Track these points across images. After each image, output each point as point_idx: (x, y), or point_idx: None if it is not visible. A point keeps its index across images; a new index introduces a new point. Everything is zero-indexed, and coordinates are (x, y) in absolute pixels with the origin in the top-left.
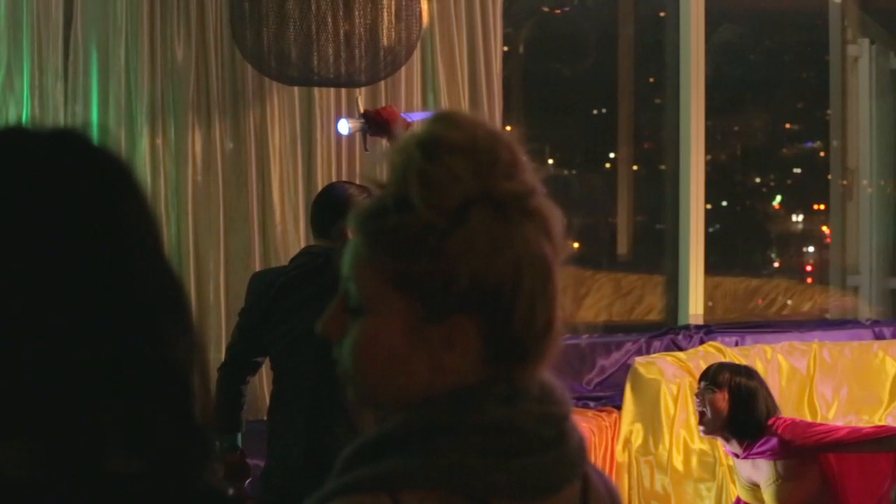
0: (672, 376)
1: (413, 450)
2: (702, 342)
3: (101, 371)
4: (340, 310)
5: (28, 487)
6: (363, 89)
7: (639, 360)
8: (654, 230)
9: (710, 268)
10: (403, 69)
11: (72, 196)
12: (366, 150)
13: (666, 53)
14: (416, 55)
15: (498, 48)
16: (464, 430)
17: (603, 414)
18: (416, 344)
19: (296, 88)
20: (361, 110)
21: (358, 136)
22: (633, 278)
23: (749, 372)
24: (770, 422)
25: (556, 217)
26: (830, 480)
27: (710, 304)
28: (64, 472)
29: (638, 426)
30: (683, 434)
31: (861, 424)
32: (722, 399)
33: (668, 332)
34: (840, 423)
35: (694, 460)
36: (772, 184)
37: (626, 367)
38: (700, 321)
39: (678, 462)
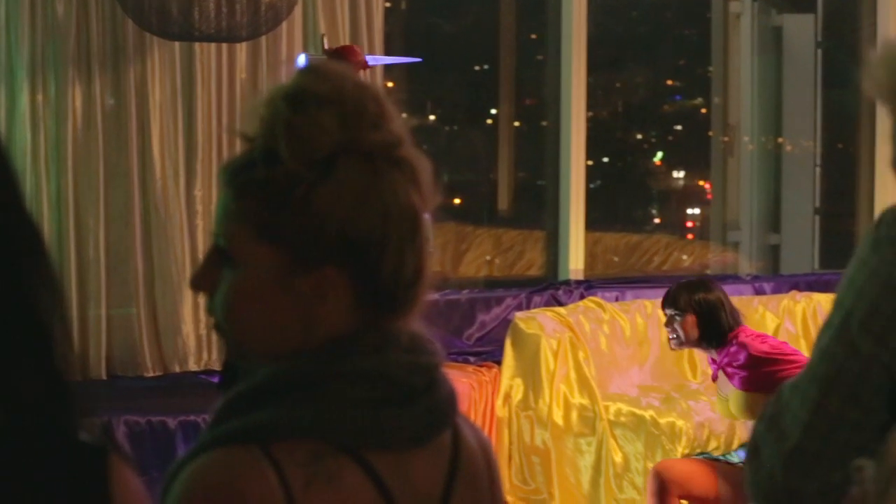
0: (552, 331)
1: (283, 401)
2: (582, 297)
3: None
4: (211, 263)
5: None
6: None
7: (519, 315)
8: (535, 186)
9: (591, 223)
10: (284, 24)
11: None
12: None
13: (548, 9)
14: (298, 10)
15: (380, 4)
16: (334, 380)
17: (483, 369)
18: (286, 296)
19: (176, 44)
20: (325, 47)
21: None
22: (513, 234)
23: (706, 285)
24: (734, 333)
25: (425, 167)
26: None
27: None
28: None
29: (518, 381)
30: (563, 389)
31: None
32: (691, 322)
33: (549, 287)
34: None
35: (574, 415)
36: (653, 140)
37: (506, 323)
38: (580, 276)
39: (558, 417)
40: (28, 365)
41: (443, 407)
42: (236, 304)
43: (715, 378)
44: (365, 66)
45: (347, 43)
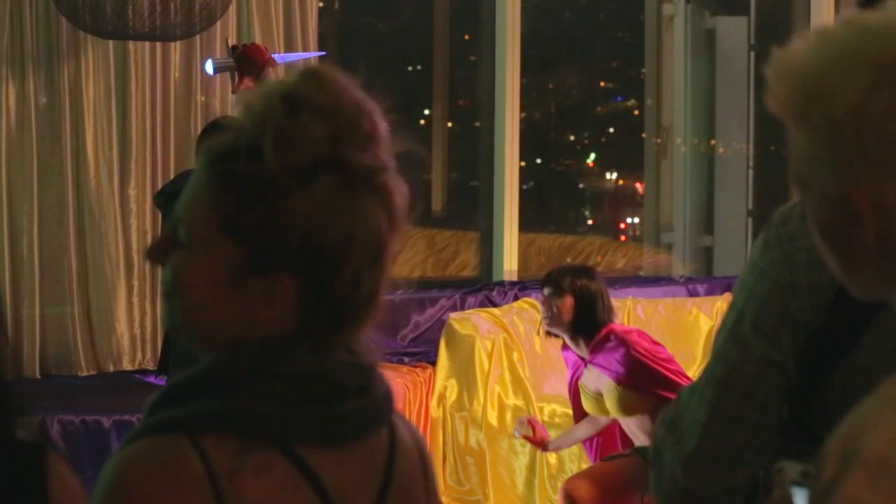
0: (486, 332)
1: (218, 393)
2: (516, 298)
3: None
4: (169, 237)
5: None
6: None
7: (453, 315)
8: (469, 187)
9: (524, 225)
10: (219, 24)
11: None
12: (233, 92)
13: (482, 10)
14: (232, 10)
15: (314, 4)
16: (270, 376)
17: (417, 370)
18: (234, 289)
19: (111, 42)
20: (231, 45)
21: (223, 78)
22: (447, 234)
23: (590, 272)
24: (608, 329)
25: (401, 194)
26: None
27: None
28: None
29: (452, 382)
30: (498, 390)
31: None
32: (568, 304)
33: (483, 288)
34: None
35: (509, 416)
36: (586, 142)
37: (440, 323)
38: (514, 277)
39: (493, 418)
40: None
41: (378, 406)
42: (182, 284)
43: (574, 379)
44: (273, 63)
45: (254, 43)
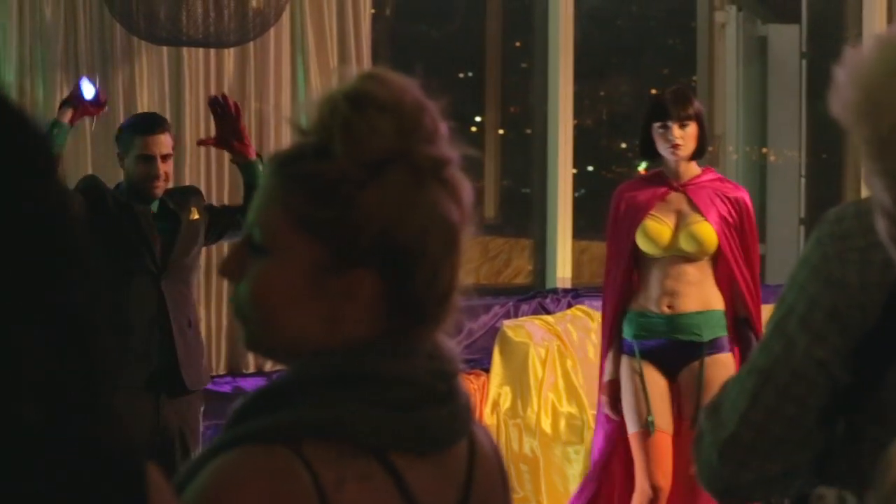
0: (540, 339)
1: (310, 400)
2: (569, 306)
3: (20, 322)
4: (243, 251)
5: None
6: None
7: (507, 323)
8: (520, 194)
9: (576, 232)
10: (273, 30)
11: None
12: (71, 123)
13: (534, 17)
14: (286, 17)
15: (367, 11)
16: (362, 381)
17: (471, 377)
18: (315, 291)
19: (165, 49)
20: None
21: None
22: (500, 242)
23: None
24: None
25: (467, 189)
26: None
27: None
28: None
29: (506, 389)
30: (552, 397)
31: None
32: (693, 131)
33: (536, 295)
34: None
35: (562, 423)
36: (637, 149)
37: (494, 331)
38: (567, 285)
39: (546, 425)
40: (74, 366)
41: (463, 413)
42: (264, 293)
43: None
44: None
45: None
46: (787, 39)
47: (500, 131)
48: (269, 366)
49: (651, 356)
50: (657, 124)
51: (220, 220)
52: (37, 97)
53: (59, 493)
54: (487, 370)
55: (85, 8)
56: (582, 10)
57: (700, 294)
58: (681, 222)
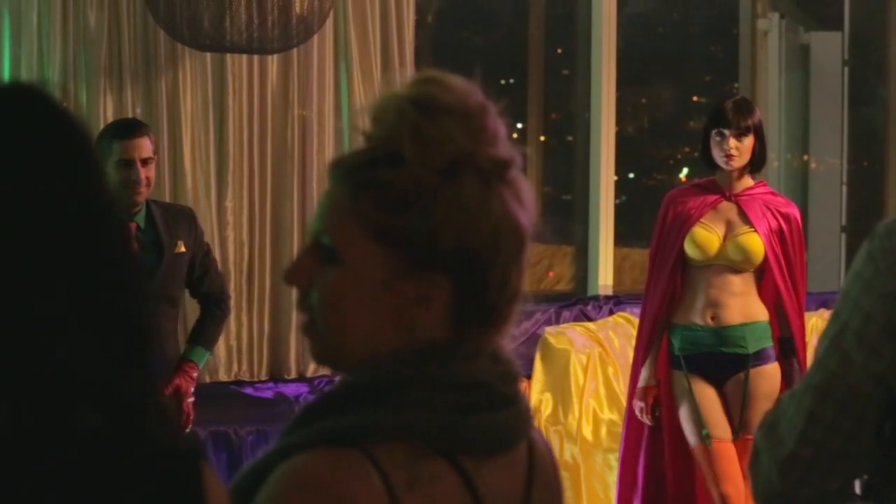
0: (582, 346)
1: (380, 403)
2: (611, 313)
3: (70, 326)
4: (309, 259)
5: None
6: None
7: (548, 329)
8: (561, 200)
9: (618, 239)
10: (316, 37)
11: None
12: None
13: (577, 24)
14: (329, 23)
15: (410, 17)
16: (433, 385)
17: None
18: (390, 298)
19: (208, 55)
20: None
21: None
22: (541, 248)
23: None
24: None
25: (529, 190)
26: None
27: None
28: (37, 429)
29: (547, 396)
30: (593, 404)
31: None
32: (749, 144)
33: (578, 302)
34: None
35: (603, 430)
36: (679, 156)
37: (535, 337)
38: (609, 292)
39: (587, 432)
40: (126, 368)
41: (525, 416)
42: (336, 302)
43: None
44: None
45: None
46: (829, 47)
47: (542, 138)
48: (310, 371)
49: (698, 368)
50: (715, 131)
51: (201, 277)
52: (80, 103)
53: (121, 493)
54: (529, 377)
55: (129, 14)
56: (624, 16)
57: (744, 306)
58: (729, 232)
